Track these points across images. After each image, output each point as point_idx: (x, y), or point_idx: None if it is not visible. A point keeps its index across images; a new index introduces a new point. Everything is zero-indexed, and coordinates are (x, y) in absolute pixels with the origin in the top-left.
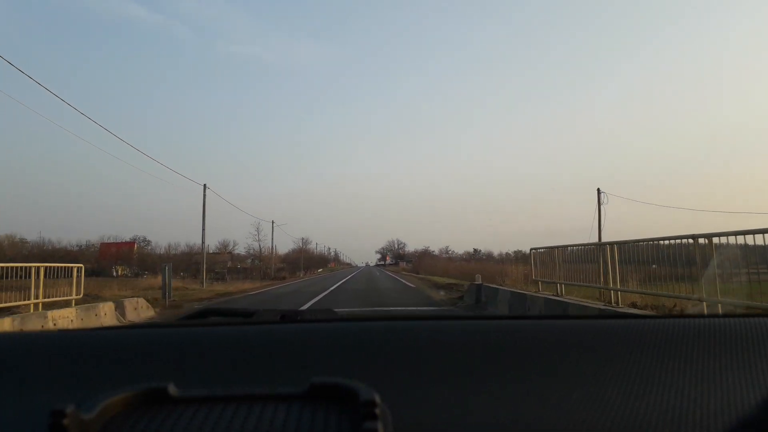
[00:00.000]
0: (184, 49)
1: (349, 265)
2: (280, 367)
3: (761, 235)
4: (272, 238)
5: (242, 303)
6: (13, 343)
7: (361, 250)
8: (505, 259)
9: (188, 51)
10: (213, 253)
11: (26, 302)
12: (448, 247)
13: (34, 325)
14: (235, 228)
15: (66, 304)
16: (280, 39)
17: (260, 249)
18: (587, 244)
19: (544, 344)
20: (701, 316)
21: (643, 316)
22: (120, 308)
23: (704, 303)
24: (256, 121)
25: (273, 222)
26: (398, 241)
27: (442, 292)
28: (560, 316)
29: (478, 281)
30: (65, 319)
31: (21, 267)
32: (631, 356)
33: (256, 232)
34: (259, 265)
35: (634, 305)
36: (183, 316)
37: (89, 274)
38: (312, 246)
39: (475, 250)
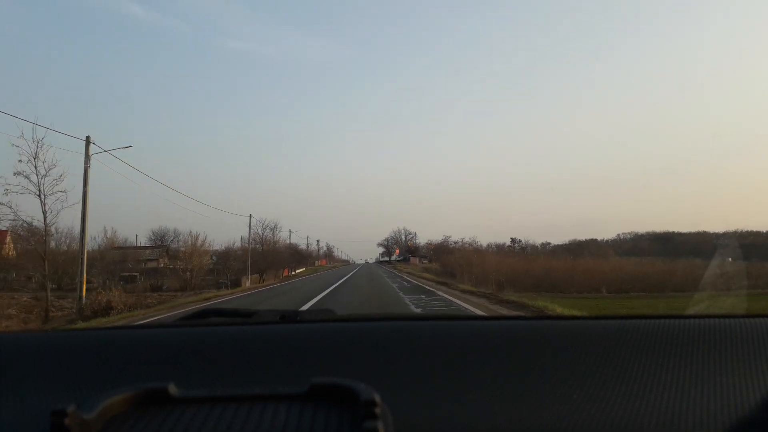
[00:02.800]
0: (172, 43)
1: (346, 262)
2: (281, 367)
3: None
4: (84, 195)
5: None
6: (13, 344)
7: (360, 242)
8: (559, 251)
9: (178, 45)
10: (123, 247)
11: None
12: (473, 237)
13: None
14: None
15: None
16: (272, 33)
17: (45, 226)
18: None
19: (544, 344)
20: (701, 316)
21: (643, 316)
22: None
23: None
24: (247, 116)
25: (89, 140)
26: (406, 230)
27: None
28: (560, 317)
29: None
30: None
31: None
32: (631, 356)
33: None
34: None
35: None
36: (183, 316)
37: None
38: (284, 235)
39: (513, 240)
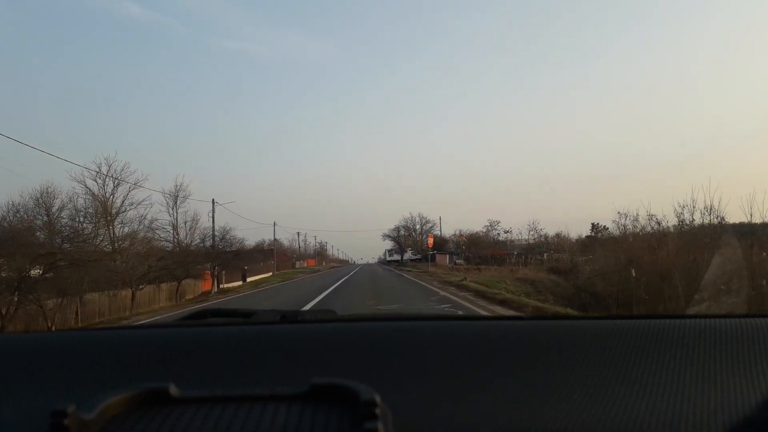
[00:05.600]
0: (168, 41)
1: (344, 262)
2: (281, 368)
3: None
4: None
5: None
6: (12, 344)
7: (362, 234)
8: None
9: (173, 43)
10: None
11: None
12: (534, 221)
13: None
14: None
15: None
16: (269, 31)
17: None
18: None
19: (545, 344)
20: (701, 316)
21: (644, 316)
22: None
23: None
24: (244, 114)
25: None
26: (422, 217)
27: None
28: (560, 317)
29: None
30: None
31: None
32: (631, 356)
33: None
34: None
35: None
36: (183, 317)
37: None
38: (202, 206)
39: (594, 226)
